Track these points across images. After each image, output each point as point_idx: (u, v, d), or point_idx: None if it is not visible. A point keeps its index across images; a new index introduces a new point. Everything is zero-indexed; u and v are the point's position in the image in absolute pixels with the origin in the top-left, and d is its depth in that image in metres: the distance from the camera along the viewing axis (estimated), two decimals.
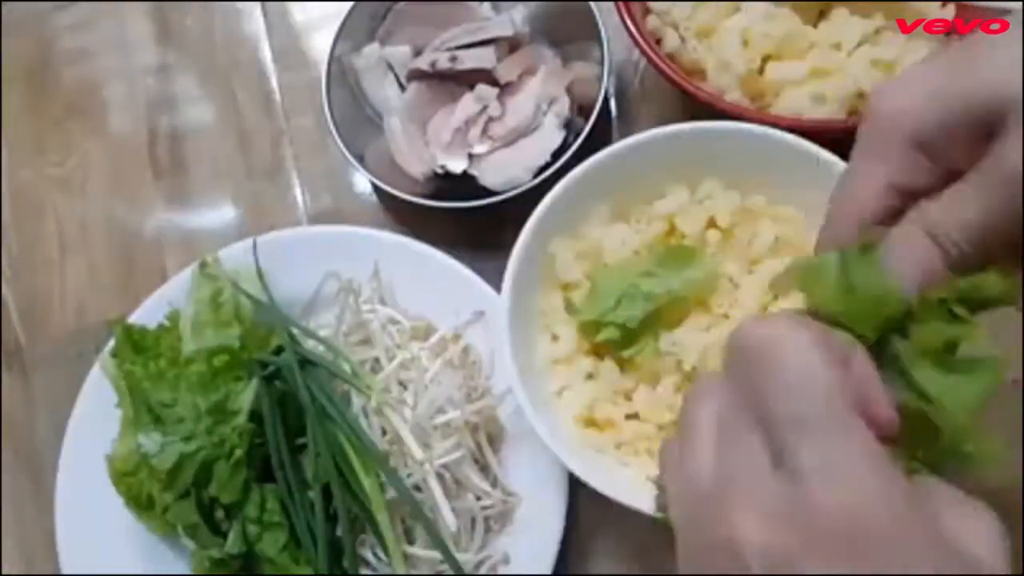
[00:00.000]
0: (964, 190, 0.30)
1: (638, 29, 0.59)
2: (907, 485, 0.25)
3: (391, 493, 0.55)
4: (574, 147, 0.61)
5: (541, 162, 0.62)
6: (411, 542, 0.56)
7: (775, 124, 0.53)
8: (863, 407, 0.26)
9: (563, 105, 0.64)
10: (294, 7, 0.76)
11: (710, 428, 0.28)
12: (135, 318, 0.62)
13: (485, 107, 0.65)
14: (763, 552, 0.25)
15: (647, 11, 0.62)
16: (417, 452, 0.55)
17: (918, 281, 0.30)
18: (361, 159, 0.64)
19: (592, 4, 0.63)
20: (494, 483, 0.58)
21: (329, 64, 0.66)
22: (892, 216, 0.32)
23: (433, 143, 0.65)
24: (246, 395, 0.56)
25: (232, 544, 0.55)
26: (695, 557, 0.27)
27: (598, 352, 0.54)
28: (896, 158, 0.31)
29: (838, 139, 0.47)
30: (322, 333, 0.61)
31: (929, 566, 0.24)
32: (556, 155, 0.62)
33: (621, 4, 0.59)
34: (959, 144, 0.30)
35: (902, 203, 0.32)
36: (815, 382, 0.26)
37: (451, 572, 0.54)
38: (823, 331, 0.28)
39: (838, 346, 0.28)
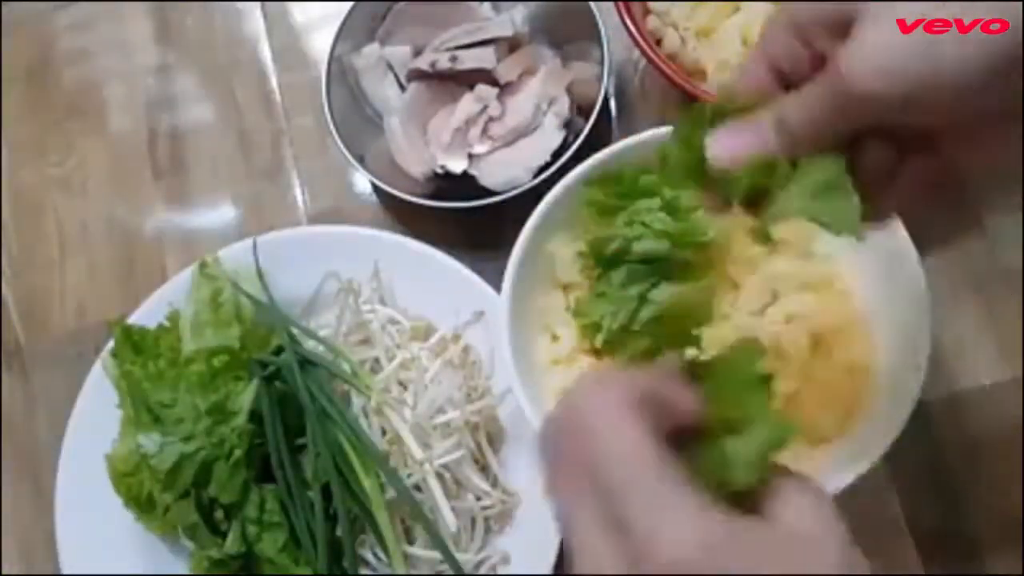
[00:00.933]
0: (809, 90, 0.33)
1: (638, 29, 0.59)
2: (724, 518, 0.27)
3: (391, 493, 0.55)
4: (574, 147, 0.61)
5: (541, 162, 0.62)
6: (411, 542, 0.56)
7: None
8: (665, 409, 0.30)
9: (563, 105, 0.64)
10: (294, 7, 0.76)
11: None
12: (135, 318, 0.62)
13: (485, 107, 0.65)
14: None
15: (647, 11, 0.62)
16: (417, 452, 0.55)
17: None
18: (361, 159, 0.64)
19: (592, 4, 0.63)
20: (494, 483, 0.58)
21: (329, 64, 0.66)
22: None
23: (433, 143, 0.65)
24: (246, 395, 0.56)
25: (231, 544, 0.55)
26: None
27: (598, 352, 0.54)
28: (779, 43, 0.35)
29: None
30: (322, 333, 0.61)
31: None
32: (556, 155, 0.62)
33: (621, 4, 0.59)
34: (824, 37, 0.33)
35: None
36: (624, 447, 0.28)
37: (451, 572, 0.54)
38: (619, 376, 0.31)
39: (635, 379, 0.30)
